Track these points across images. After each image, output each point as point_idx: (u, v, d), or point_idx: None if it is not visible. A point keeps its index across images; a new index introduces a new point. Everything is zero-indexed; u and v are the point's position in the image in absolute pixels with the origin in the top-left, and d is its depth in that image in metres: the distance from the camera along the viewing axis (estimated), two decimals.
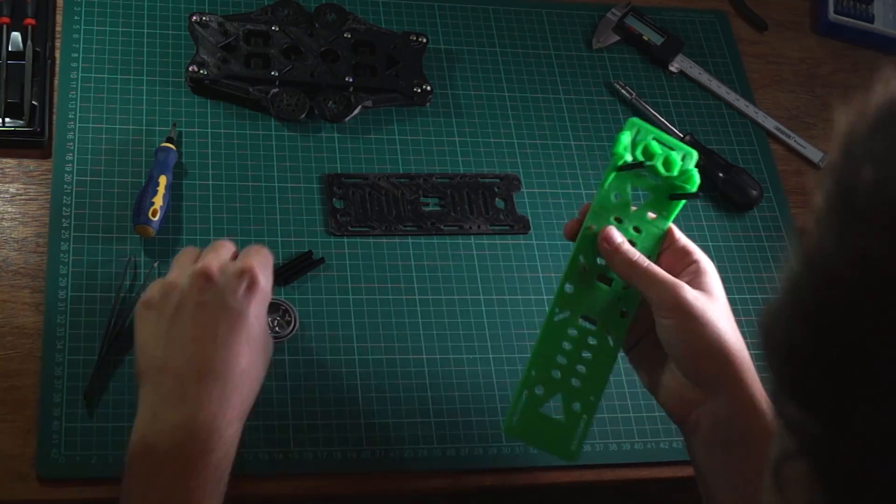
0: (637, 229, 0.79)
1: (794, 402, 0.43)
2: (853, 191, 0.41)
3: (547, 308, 0.80)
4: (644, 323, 0.77)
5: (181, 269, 0.78)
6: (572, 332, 0.79)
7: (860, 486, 0.41)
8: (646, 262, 0.75)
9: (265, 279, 0.77)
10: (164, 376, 0.73)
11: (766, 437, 0.70)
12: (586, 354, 0.79)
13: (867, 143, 0.42)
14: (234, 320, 0.74)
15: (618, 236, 0.77)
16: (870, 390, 0.40)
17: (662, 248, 0.79)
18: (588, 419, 0.78)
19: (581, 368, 0.79)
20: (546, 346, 0.79)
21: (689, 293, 0.73)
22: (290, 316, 0.91)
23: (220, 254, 0.79)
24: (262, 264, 0.78)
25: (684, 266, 0.77)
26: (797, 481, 0.44)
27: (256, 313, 0.76)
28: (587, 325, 0.79)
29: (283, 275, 0.93)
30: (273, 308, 0.91)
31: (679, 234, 0.79)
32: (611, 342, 0.79)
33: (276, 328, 0.90)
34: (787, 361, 0.44)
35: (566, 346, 0.79)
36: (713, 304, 0.74)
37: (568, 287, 0.79)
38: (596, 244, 0.78)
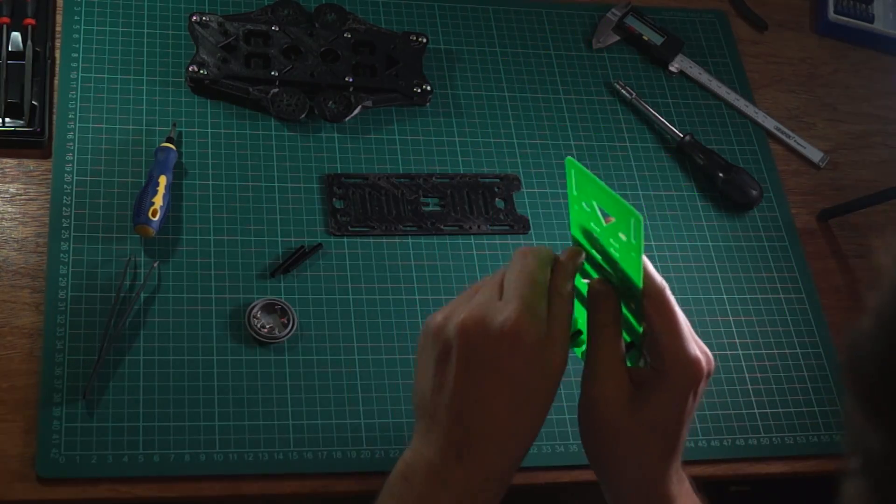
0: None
1: (869, 423, 0.45)
2: None
3: None
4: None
5: (453, 306, 0.72)
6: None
7: None
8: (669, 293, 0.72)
9: (533, 324, 0.68)
10: (433, 423, 0.70)
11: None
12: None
13: None
14: (496, 381, 0.68)
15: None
16: None
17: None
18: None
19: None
20: None
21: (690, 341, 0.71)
22: (287, 317, 0.91)
23: (488, 288, 0.72)
24: (529, 300, 0.69)
25: None
26: (856, 499, 0.46)
27: (522, 366, 0.68)
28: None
29: (282, 267, 0.93)
30: (270, 308, 0.91)
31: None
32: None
33: (275, 329, 0.90)
34: (869, 384, 0.45)
35: None
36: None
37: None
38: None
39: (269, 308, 0.91)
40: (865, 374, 0.45)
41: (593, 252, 0.73)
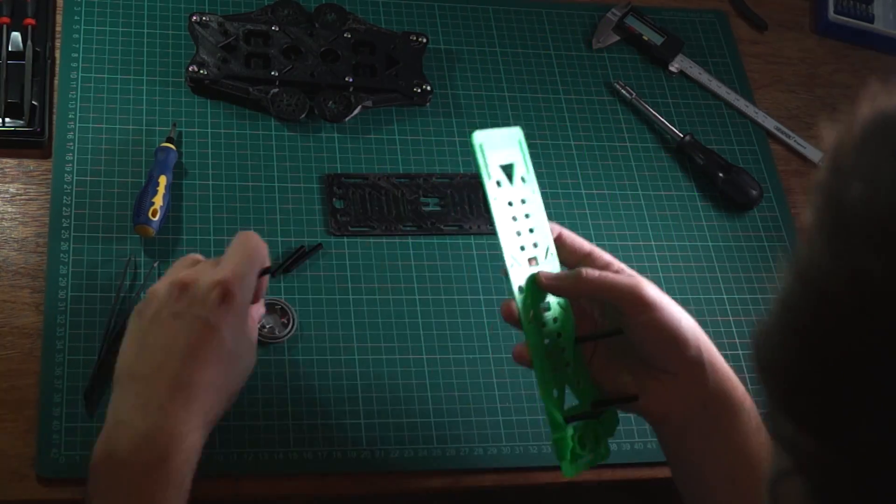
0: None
1: (789, 420, 0.43)
2: (842, 207, 0.41)
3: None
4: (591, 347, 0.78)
5: (166, 279, 0.78)
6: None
7: (856, 500, 0.41)
8: (594, 272, 0.75)
9: (244, 288, 0.76)
10: (131, 383, 0.74)
11: (745, 407, 0.75)
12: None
13: (854, 159, 0.42)
14: (205, 332, 0.74)
15: (549, 273, 0.76)
16: (864, 406, 0.40)
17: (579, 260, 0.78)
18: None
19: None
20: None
21: (647, 286, 0.74)
22: (287, 317, 0.91)
23: (207, 268, 0.78)
24: (241, 272, 0.77)
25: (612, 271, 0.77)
26: (794, 499, 0.44)
27: (230, 324, 0.75)
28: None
29: (282, 266, 0.93)
30: (271, 308, 0.91)
31: (595, 280, 0.75)
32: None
33: (275, 329, 0.90)
34: (781, 378, 0.44)
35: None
36: (662, 294, 0.75)
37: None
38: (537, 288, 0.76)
39: (269, 308, 0.91)
40: (780, 374, 0.44)
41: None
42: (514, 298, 0.76)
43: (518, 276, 0.76)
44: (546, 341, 0.77)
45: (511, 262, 0.76)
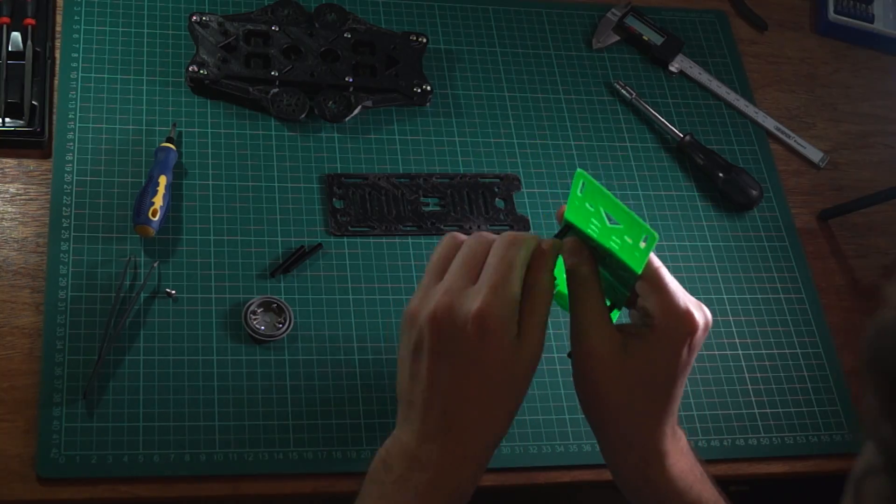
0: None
1: (890, 421, 0.44)
2: None
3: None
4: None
5: (424, 292, 0.73)
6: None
7: None
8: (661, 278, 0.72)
9: (502, 313, 0.70)
10: (410, 410, 0.72)
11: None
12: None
13: None
14: (468, 367, 0.70)
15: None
16: None
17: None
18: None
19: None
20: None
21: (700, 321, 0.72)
22: (284, 315, 0.91)
23: (459, 272, 0.72)
24: (498, 294, 0.70)
25: None
26: (877, 496, 0.45)
27: (493, 355, 0.70)
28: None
29: (282, 267, 0.93)
30: (267, 307, 0.91)
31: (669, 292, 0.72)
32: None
33: (273, 327, 0.90)
34: (891, 381, 0.44)
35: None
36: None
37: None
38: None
39: (265, 306, 0.91)
40: (890, 370, 0.44)
41: (586, 231, 0.73)
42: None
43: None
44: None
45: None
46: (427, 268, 0.74)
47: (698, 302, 0.72)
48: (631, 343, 0.72)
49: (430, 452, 0.71)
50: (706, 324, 0.72)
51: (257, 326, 0.90)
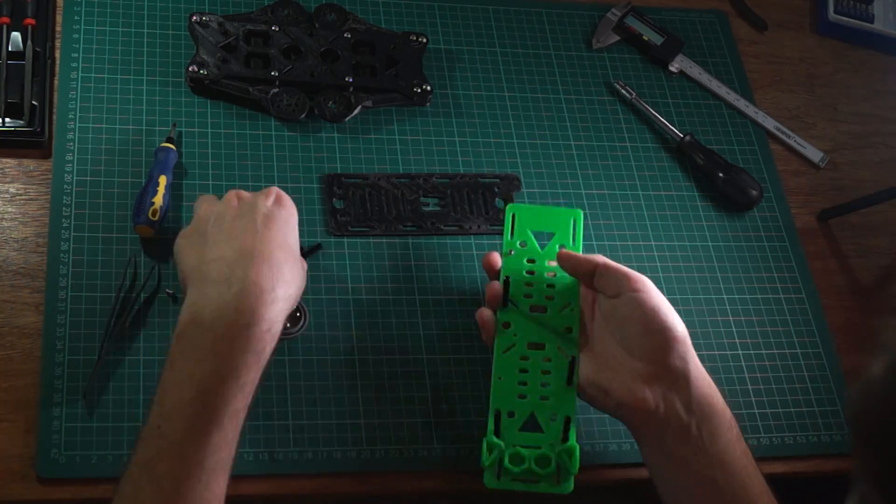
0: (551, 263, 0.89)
1: (876, 490, 0.44)
2: None
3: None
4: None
5: (209, 204, 0.85)
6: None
7: None
8: (602, 258, 0.85)
9: (291, 201, 0.85)
10: (207, 266, 0.79)
11: (726, 416, 0.80)
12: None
13: None
14: (269, 221, 0.82)
15: (573, 253, 0.88)
16: None
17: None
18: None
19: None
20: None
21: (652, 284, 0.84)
22: (301, 312, 0.91)
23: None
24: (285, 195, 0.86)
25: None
26: None
27: (286, 222, 0.83)
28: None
29: None
30: None
31: (611, 263, 0.85)
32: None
33: (287, 323, 0.90)
34: (880, 453, 0.44)
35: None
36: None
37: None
38: (558, 264, 0.87)
39: None
40: (875, 448, 0.44)
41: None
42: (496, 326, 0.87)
43: (508, 314, 0.87)
44: (524, 372, 0.85)
45: (511, 302, 0.87)
46: (197, 201, 0.88)
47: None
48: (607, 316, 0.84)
49: (245, 294, 0.76)
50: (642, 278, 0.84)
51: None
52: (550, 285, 0.88)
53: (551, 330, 0.86)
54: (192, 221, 0.86)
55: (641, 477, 0.90)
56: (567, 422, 0.83)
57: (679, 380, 0.80)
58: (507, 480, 0.82)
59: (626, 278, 0.83)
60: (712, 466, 0.78)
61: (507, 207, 0.91)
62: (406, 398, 0.90)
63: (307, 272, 0.86)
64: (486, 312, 0.87)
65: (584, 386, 0.82)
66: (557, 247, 0.89)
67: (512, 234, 0.90)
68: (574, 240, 0.90)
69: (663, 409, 0.79)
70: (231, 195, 0.85)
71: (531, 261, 0.89)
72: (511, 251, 0.89)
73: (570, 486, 0.82)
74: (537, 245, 0.90)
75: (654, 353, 0.81)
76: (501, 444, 0.82)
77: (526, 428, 0.83)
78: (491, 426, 0.83)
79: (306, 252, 0.94)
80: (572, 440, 0.82)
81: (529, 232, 0.90)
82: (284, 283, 0.79)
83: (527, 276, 0.88)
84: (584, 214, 0.89)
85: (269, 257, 0.79)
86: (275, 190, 0.86)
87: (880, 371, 0.45)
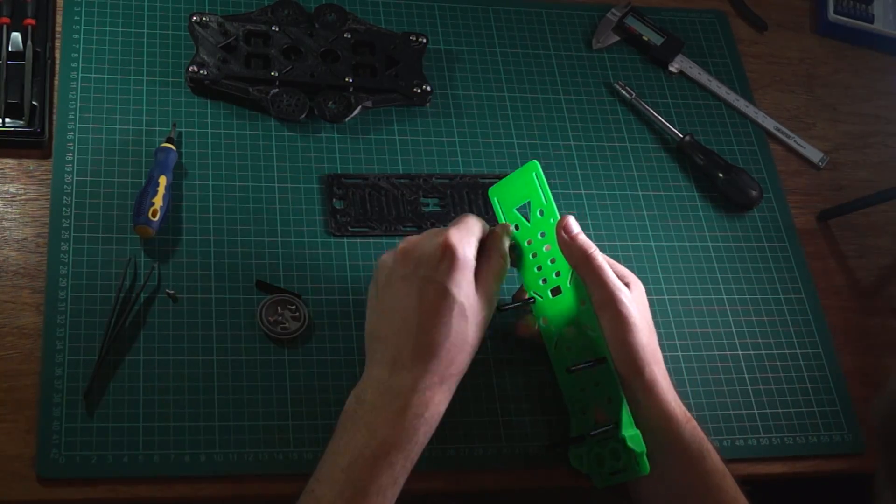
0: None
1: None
2: None
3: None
4: None
5: (388, 253, 0.85)
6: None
7: None
8: (599, 258, 0.85)
9: (465, 249, 0.81)
10: (377, 344, 0.81)
11: (679, 438, 0.82)
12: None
13: None
14: (434, 291, 0.79)
15: (576, 226, 0.86)
16: None
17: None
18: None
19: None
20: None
21: (626, 299, 0.84)
22: (299, 312, 0.91)
23: (430, 232, 0.84)
24: (461, 236, 0.82)
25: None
26: None
27: (456, 280, 0.80)
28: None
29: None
30: (284, 304, 0.91)
31: (594, 263, 0.86)
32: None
33: (285, 323, 0.90)
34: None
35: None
36: (641, 314, 0.85)
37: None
38: (555, 234, 0.87)
39: (281, 303, 0.91)
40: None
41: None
42: (538, 325, 0.89)
43: (544, 309, 0.88)
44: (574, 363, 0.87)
45: (534, 296, 0.88)
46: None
47: (625, 278, 0.87)
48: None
49: (402, 379, 0.78)
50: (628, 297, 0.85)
51: (273, 323, 0.90)
52: (553, 259, 0.87)
53: (572, 309, 0.87)
54: (377, 265, 0.85)
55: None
56: (619, 404, 0.84)
57: (636, 412, 0.84)
58: (607, 478, 0.85)
59: (597, 296, 0.85)
60: (676, 496, 0.83)
61: (489, 192, 0.90)
62: None
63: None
64: (523, 325, 0.90)
65: None
66: (538, 213, 0.88)
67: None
68: (545, 197, 0.88)
69: None
70: (401, 248, 0.83)
71: (529, 242, 0.88)
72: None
73: (647, 464, 0.83)
74: (526, 222, 0.88)
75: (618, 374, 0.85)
76: (583, 451, 0.86)
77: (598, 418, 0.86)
78: (578, 429, 0.87)
79: (509, 307, 0.90)
80: (631, 428, 0.84)
81: (515, 211, 0.89)
82: (446, 363, 0.79)
83: (534, 259, 0.88)
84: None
85: (430, 344, 0.79)
86: (446, 243, 0.81)
87: None
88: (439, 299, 0.79)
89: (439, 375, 0.79)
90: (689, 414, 0.84)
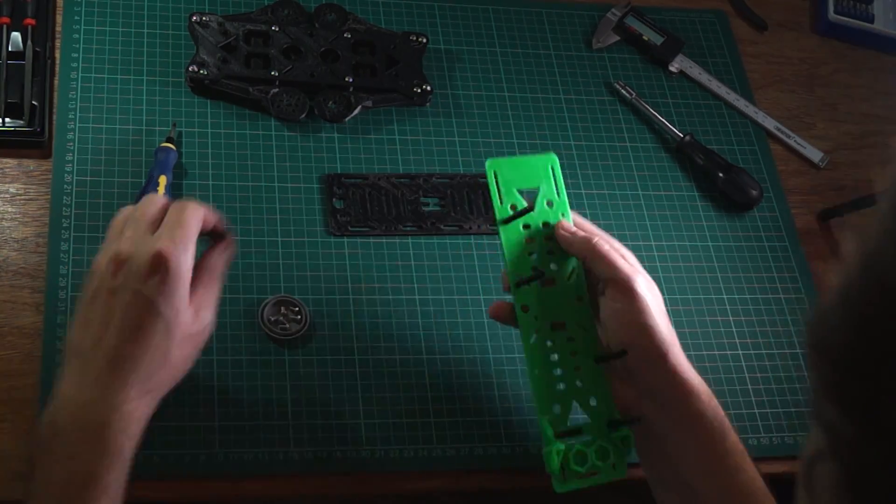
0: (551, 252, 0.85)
1: (833, 404, 0.44)
2: None
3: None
4: None
5: (105, 249, 0.78)
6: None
7: (887, 491, 0.42)
8: (605, 244, 0.82)
9: (180, 258, 0.75)
10: (74, 359, 0.75)
11: (702, 416, 0.79)
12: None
13: None
14: (141, 306, 0.74)
15: (570, 224, 0.84)
16: None
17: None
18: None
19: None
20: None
21: (642, 281, 0.80)
22: (301, 314, 0.91)
23: (140, 225, 0.77)
24: (176, 241, 0.75)
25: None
26: (827, 482, 0.45)
27: (167, 295, 0.74)
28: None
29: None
30: (285, 304, 0.91)
31: (601, 250, 0.82)
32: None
33: (286, 324, 0.90)
34: (832, 362, 0.44)
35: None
36: (655, 298, 0.81)
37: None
38: (554, 237, 0.84)
39: (281, 303, 0.91)
40: (832, 358, 0.44)
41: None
42: (516, 311, 0.83)
43: (528, 297, 0.83)
44: (554, 356, 0.82)
45: (517, 279, 0.83)
46: (108, 229, 0.79)
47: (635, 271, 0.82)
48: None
49: (100, 397, 0.73)
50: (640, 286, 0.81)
51: (274, 323, 0.90)
52: (550, 251, 0.84)
53: (566, 304, 0.83)
54: (90, 271, 0.78)
55: (642, 477, 0.90)
56: (610, 403, 0.82)
57: (657, 392, 0.81)
58: (573, 481, 0.80)
59: (611, 282, 0.80)
60: (696, 474, 0.79)
61: (487, 164, 0.84)
62: (406, 398, 0.90)
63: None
64: (500, 304, 0.84)
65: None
66: (545, 202, 0.85)
67: (501, 199, 0.84)
68: (557, 191, 0.85)
69: (645, 414, 0.81)
70: (114, 255, 0.76)
71: (526, 226, 0.84)
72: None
73: (625, 468, 0.81)
74: (524, 203, 0.85)
75: (634, 361, 0.81)
76: (563, 446, 0.80)
77: (571, 422, 0.82)
78: (549, 431, 0.80)
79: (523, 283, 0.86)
80: (624, 429, 0.81)
81: (515, 191, 0.85)
82: (144, 378, 0.74)
83: (527, 244, 0.84)
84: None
85: (128, 358, 0.74)
86: (160, 255, 0.74)
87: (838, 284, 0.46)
88: (144, 313, 0.74)
89: (137, 390, 0.74)
90: (710, 391, 0.81)
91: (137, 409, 0.74)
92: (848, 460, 0.44)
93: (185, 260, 0.75)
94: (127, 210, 0.79)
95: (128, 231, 0.77)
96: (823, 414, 0.45)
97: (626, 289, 0.80)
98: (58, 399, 0.74)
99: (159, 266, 0.74)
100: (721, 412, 0.80)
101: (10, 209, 0.92)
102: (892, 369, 0.41)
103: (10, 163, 0.95)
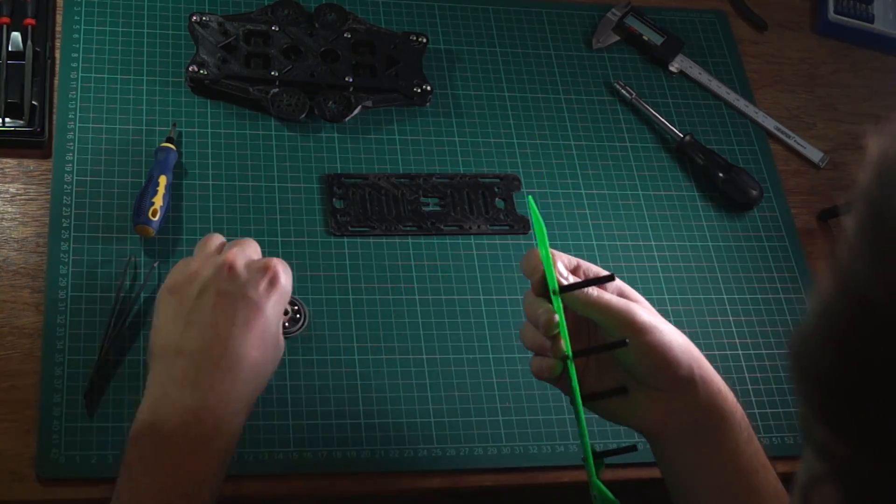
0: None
1: (824, 426, 0.43)
2: (885, 218, 0.41)
3: None
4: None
5: (205, 258, 0.79)
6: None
7: None
8: (594, 291, 0.75)
9: (286, 279, 0.78)
10: (179, 358, 0.74)
11: (735, 418, 0.76)
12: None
13: None
14: (253, 313, 0.75)
15: (562, 280, 0.75)
16: None
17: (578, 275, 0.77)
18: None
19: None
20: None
21: (639, 311, 0.74)
22: (301, 313, 0.91)
23: (245, 250, 0.80)
24: (284, 266, 0.79)
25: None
26: None
27: (274, 310, 0.77)
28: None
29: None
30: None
31: (587, 263, 0.78)
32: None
33: (286, 323, 0.90)
34: (818, 385, 0.44)
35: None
36: (656, 316, 0.76)
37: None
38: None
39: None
40: (818, 380, 0.44)
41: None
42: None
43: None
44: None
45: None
46: (199, 244, 0.81)
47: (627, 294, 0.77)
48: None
49: (207, 403, 0.72)
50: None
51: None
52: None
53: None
54: (181, 271, 0.79)
55: (642, 477, 0.90)
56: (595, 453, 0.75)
57: (686, 393, 0.76)
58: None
59: (628, 326, 0.74)
60: (722, 474, 0.76)
61: (539, 230, 0.75)
62: (406, 398, 0.90)
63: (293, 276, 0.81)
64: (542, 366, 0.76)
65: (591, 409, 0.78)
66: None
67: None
68: (535, 238, 0.76)
69: (673, 426, 0.76)
70: (227, 261, 0.77)
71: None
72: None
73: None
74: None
75: (660, 379, 0.76)
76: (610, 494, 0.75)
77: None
78: (596, 478, 0.75)
79: (610, 453, 0.80)
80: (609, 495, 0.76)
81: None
82: (250, 391, 0.75)
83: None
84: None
85: (241, 366, 0.74)
86: (273, 268, 0.77)
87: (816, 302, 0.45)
88: (256, 321, 0.75)
89: (244, 402, 0.74)
90: (735, 400, 0.77)
91: (239, 425, 0.74)
92: (847, 482, 0.43)
93: (289, 282, 0.79)
94: (216, 235, 0.83)
95: (232, 250, 0.79)
96: (816, 437, 0.44)
97: (628, 324, 0.74)
98: (160, 398, 0.73)
99: (272, 278, 0.77)
100: (746, 421, 0.77)
101: (10, 209, 0.92)
102: (875, 386, 0.40)
103: (10, 163, 0.95)
